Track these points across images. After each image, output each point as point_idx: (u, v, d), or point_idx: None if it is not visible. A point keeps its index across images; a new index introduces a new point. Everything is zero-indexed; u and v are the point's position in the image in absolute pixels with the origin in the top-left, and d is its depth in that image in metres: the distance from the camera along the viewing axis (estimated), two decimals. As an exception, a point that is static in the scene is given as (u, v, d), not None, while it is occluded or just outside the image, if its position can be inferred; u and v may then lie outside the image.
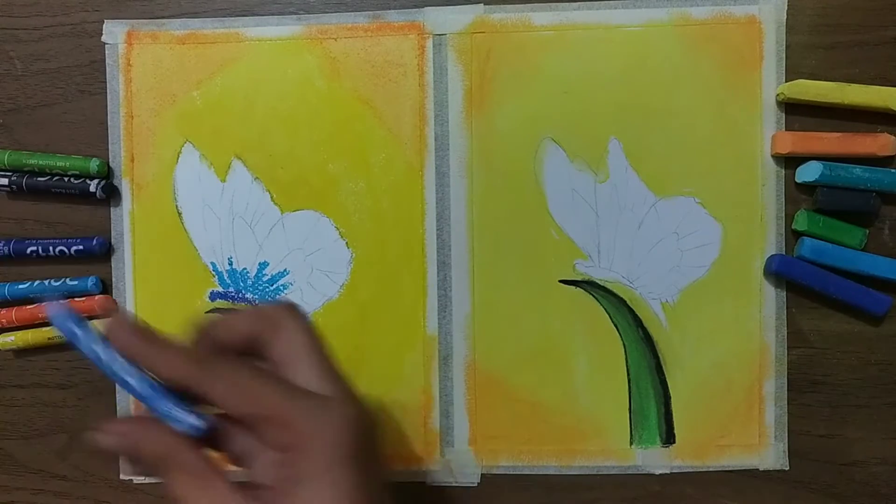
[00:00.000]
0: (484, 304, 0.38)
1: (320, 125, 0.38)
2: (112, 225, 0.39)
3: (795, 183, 0.37)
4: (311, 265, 0.38)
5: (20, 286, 0.38)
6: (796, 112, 0.37)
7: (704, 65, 0.37)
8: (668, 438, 0.37)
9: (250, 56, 0.38)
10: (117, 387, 0.39)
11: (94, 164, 0.38)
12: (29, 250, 0.38)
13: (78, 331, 0.25)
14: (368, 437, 0.25)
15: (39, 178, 0.38)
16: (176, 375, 0.24)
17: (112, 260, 0.39)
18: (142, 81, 0.38)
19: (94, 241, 0.38)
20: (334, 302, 0.38)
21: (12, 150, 0.39)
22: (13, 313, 0.38)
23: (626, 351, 0.37)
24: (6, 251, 0.38)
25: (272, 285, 0.38)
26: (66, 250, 0.38)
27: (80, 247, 0.38)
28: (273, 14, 0.38)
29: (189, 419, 0.24)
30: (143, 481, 0.39)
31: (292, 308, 0.27)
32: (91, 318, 0.39)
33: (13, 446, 0.40)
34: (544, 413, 0.38)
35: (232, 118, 0.38)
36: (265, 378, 0.24)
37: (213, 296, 0.38)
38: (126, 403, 0.39)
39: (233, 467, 0.26)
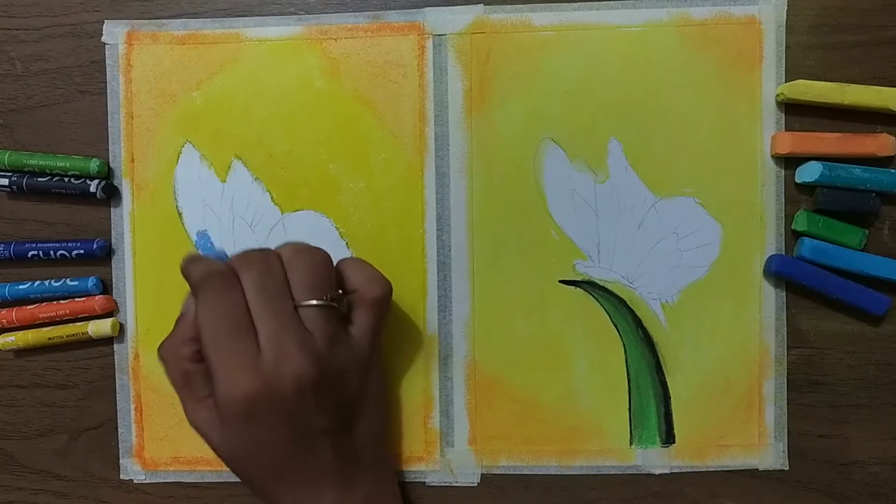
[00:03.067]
0: (484, 304, 0.38)
1: (320, 125, 0.38)
2: (112, 225, 0.39)
3: (795, 183, 0.37)
4: (312, 265, 0.38)
5: (20, 287, 0.38)
6: (796, 112, 0.37)
7: (704, 65, 0.37)
8: (668, 438, 0.37)
9: (250, 56, 0.38)
10: (117, 387, 0.39)
11: (94, 165, 0.38)
12: (30, 254, 0.38)
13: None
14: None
15: (39, 179, 0.38)
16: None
17: (112, 260, 0.39)
18: (142, 82, 0.38)
19: (95, 245, 0.38)
20: (334, 302, 0.38)
21: (12, 150, 0.39)
22: (13, 313, 0.38)
23: (625, 351, 0.37)
24: (7, 254, 0.38)
25: (272, 285, 0.38)
26: (66, 254, 0.38)
27: (81, 251, 0.38)
28: (273, 14, 0.38)
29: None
30: (144, 481, 0.39)
31: (384, 297, 0.34)
32: (91, 318, 0.39)
33: (13, 446, 0.40)
34: (544, 413, 0.38)
35: (232, 118, 0.38)
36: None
37: (214, 296, 0.38)
38: (126, 404, 0.39)
39: None
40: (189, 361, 0.32)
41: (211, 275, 0.31)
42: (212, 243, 0.38)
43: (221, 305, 0.30)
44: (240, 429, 0.30)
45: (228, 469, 0.33)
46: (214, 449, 0.32)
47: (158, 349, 0.33)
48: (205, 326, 0.30)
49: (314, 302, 0.31)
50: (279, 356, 0.30)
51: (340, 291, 0.33)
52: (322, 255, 0.33)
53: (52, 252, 0.38)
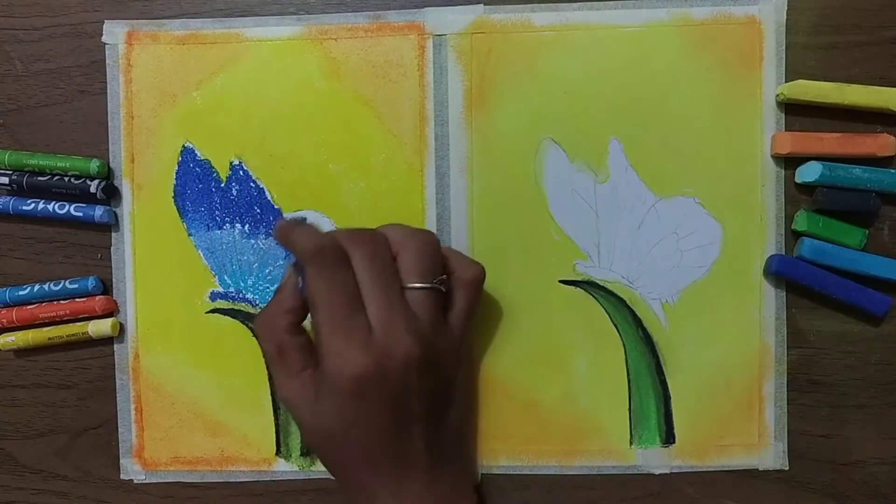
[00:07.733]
0: (484, 304, 0.38)
1: (321, 125, 0.38)
2: (112, 226, 0.39)
3: (795, 183, 0.37)
4: (312, 265, 0.38)
5: (20, 292, 0.38)
6: (796, 112, 0.37)
7: (704, 65, 0.37)
8: (668, 438, 0.37)
9: (250, 56, 0.38)
10: (117, 387, 0.39)
11: (94, 165, 0.38)
12: (29, 201, 0.38)
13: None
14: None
15: (39, 178, 0.38)
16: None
17: (112, 260, 0.39)
18: (142, 82, 0.38)
19: (97, 210, 0.38)
20: (334, 302, 0.38)
21: (12, 150, 0.39)
22: (13, 313, 0.38)
23: (626, 351, 0.37)
24: (7, 209, 0.38)
25: (273, 286, 0.38)
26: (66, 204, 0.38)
27: (80, 214, 0.38)
28: (273, 14, 0.38)
29: None
30: (144, 481, 0.39)
31: (480, 277, 0.34)
32: (91, 318, 0.39)
33: (13, 446, 0.40)
34: (544, 413, 0.38)
35: (232, 118, 0.38)
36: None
37: (214, 296, 0.38)
38: (126, 404, 0.39)
39: None
40: (285, 333, 0.32)
41: (325, 249, 0.30)
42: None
43: (337, 281, 0.30)
44: (342, 405, 0.30)
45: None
46: (303, 423, 0.32)
47: (255, 320, 0.33)
48: (318, 301, 0.30)
49: (421, 285, 0.31)
50: (389, 335, 0.30)
51: (444, 276, 0.33)
52: (432, 239, 0.33)
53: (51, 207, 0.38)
